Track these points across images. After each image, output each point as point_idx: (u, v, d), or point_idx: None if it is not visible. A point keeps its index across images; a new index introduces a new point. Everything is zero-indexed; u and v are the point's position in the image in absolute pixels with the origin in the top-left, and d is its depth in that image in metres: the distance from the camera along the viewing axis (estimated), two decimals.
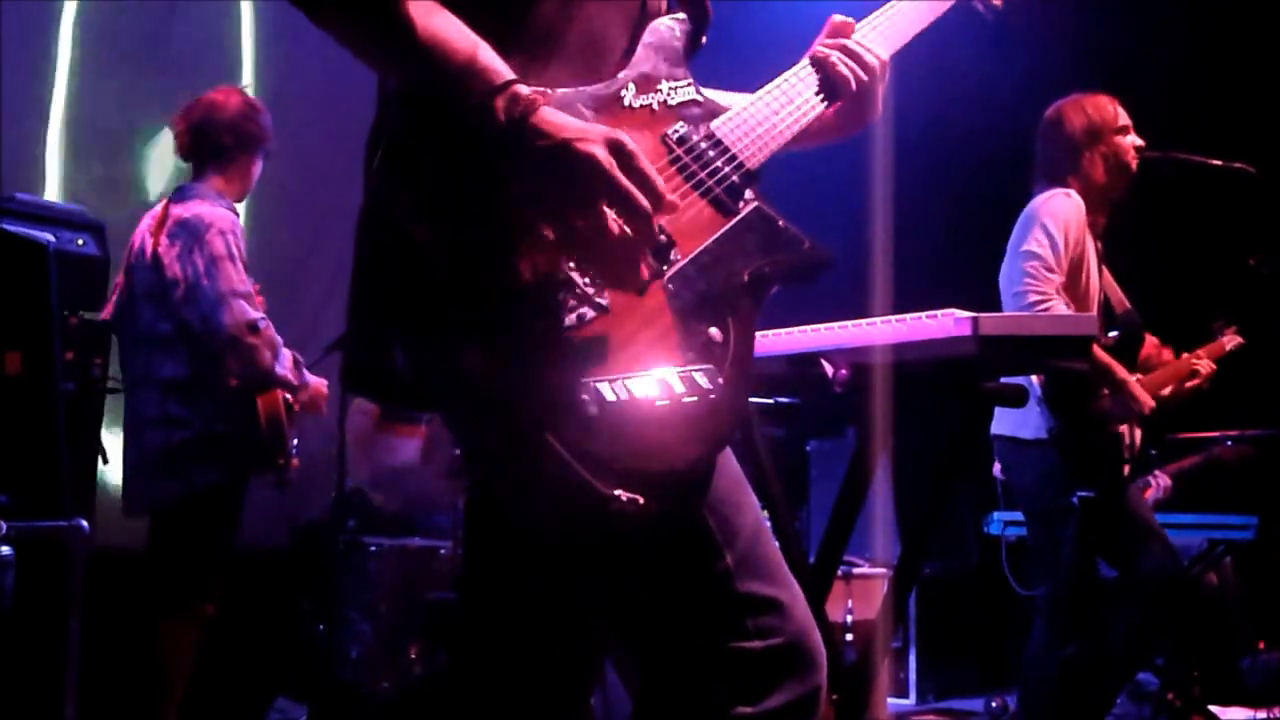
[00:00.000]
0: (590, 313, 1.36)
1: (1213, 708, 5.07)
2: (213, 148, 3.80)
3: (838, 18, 1.83)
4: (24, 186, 4.55)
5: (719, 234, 1.52)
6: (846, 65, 1.77)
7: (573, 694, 1.65)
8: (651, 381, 1.35)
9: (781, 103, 1.70)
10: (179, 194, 3.78)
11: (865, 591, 5.30)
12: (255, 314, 3.60)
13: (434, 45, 1.38)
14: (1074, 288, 3.63)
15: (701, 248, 1.49)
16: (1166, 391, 3.90)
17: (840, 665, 2.88)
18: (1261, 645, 5.67)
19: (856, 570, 5.35)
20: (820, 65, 1.77)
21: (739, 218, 1.54)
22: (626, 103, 1.53)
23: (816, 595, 2.83)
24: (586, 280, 1.36)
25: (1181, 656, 5.23)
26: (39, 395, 3.16)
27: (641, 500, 1.29)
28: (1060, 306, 3.50)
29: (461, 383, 1.32)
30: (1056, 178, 3.77)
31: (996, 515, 5.19)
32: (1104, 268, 3.81)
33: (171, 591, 3.65)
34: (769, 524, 2.85)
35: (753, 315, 1.51)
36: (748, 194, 1.57)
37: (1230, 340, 4.35)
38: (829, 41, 1.80)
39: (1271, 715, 5.17)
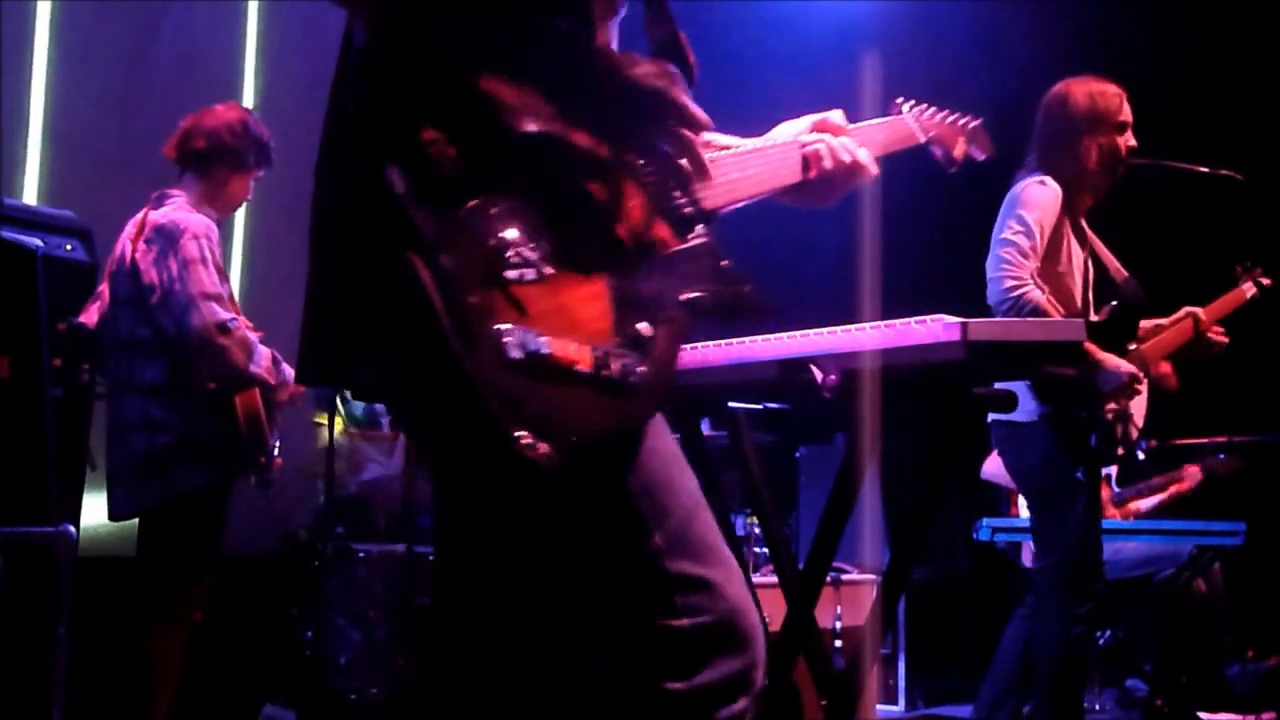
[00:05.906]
0: (531, 274, 1.41)
1: (1201, 714, 5.08)
2: (191, 153, 3.82)
3: (835, 116, 2.00)
4: (6, 191, 4.54)
5: (668, 252, 1.60)
6: (833, 160, 1.94)
7: (551, 682, 1.67)
8: (575, 348, 1.42)
9: (758, 166, 1.87)
10: (159, 200, 3.79)
11: (854, 598, 5.30)
12: (225, 314, 3.60)
13: None
14: (1053, 266, 3.68)
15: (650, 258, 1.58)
16: (1166, 363, 3.90)
17: (829, 672, 2.88)
18: (1250, 652, 5.68)
19: (845, 576, 5.34)
20: (805, 152, 1.95)
21: (689, 244, 1.64)
22: None
23: (805, 601, 2.83)
24: (533, 246, 1.42)
25: (1170, 663, 5.24)
26: (27, 401, 3.15)
27: (543, 449, 1.34)
28: (1035, 291, 3.56)
29: (402, 301, 1.35)
30: (1048, 157, 3.78)
31: (985, 522, 5.20)
32: (1096, 240, 3.82)
33: (159, 597, 3.65)
34: (758, 529, 2.84)
35: (684, 328, 1.58)
36: (700, 229, 1.67)
37: (1250, 288, 4.22)
38: (817, 137, 1.97)
39: None
